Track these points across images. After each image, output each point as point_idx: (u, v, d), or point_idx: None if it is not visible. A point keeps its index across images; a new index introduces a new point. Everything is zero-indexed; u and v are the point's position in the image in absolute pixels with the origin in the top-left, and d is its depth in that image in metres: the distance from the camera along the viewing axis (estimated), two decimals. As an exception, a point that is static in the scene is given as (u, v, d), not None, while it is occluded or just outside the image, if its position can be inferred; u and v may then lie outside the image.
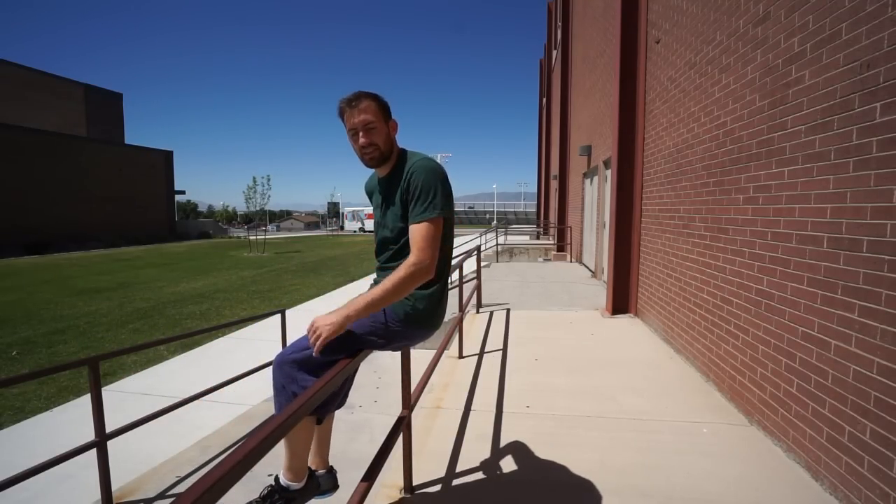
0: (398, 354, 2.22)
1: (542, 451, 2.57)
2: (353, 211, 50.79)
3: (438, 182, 1.56)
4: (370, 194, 1.83)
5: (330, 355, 1.53)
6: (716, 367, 3.41)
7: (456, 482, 2.30)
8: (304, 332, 1.55)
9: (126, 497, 2.83)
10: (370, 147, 1.58)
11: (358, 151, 1.62)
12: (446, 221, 1.60)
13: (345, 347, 1.57)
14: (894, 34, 1.85)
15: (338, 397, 1.79)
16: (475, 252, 6.22)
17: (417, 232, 1.53)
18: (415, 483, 2.23)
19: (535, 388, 3.49)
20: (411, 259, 1.50)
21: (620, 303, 5.83)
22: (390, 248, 1.68)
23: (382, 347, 1.70)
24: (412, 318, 1.64)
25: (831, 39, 2.21)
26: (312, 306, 9.81)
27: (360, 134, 1.57)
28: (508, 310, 6.19)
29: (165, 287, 12.43)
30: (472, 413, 3.08)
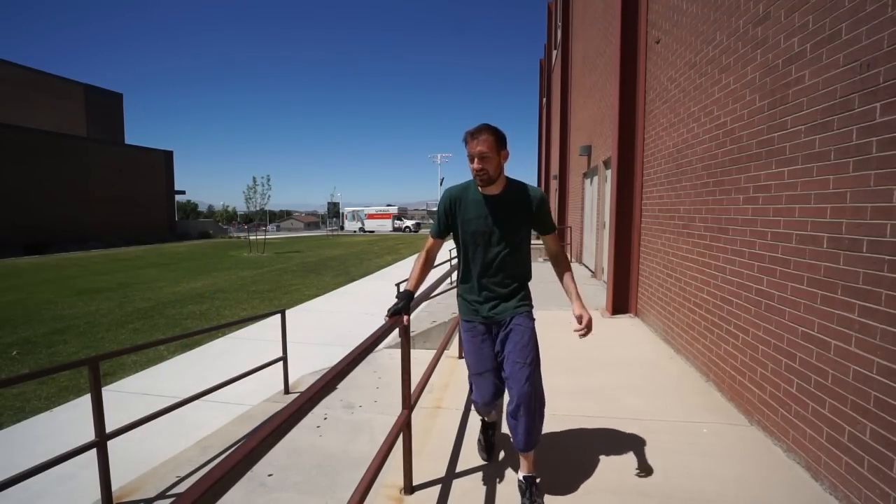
0: (398, 354, 2.22)
1: (541, 451, 2.57)
2: (353, 211, 50.75)
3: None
4: (457, 202, 2.16)
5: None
6: (716, 367, 3.41)
7: (456, 482, 2.30)
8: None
9: (126, 497, 2.83)
10: (482, 171, 1.99)
11: (473, 173, 2.03)
12: None
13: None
14: (894, 34, 1.85)
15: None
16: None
17: (556, 236, 2.22)
18: (415, 483, 2.23)
19: (535, 388, 3.49)
20: (563, 250, 2.24)
21: (620, 303, 5.84)
22: (503, 252, 2.11)
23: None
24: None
25: (831, 39, 2.21)
26: (312, 306, 9.80)
27: (476, 160, 1.98)
28: (508, 310, 6.18)
29: (165, 287, 12.43)
30: (472, 413, 3.08)
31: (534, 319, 2.16)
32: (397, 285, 7.41)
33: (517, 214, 2.06)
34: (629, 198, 5.74)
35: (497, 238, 2.06)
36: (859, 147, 2.03)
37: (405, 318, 2.02)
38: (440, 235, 2.21)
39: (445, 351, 3.66)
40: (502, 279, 2.10)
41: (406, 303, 2.04)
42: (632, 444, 2.64)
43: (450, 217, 2.15)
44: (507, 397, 2.12)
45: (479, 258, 2.10)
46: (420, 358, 3.37)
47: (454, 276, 5.85)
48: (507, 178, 2.10)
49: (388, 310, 2.02)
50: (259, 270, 15.91)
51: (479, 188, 2.08)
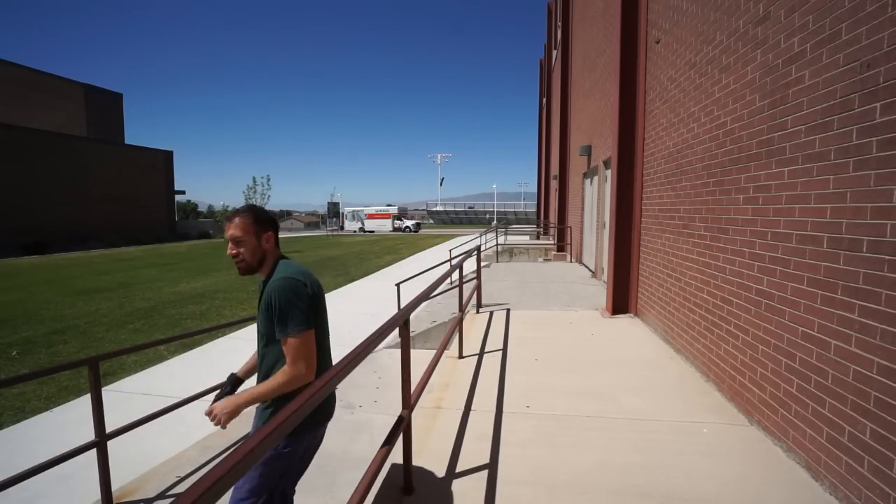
0: (398, 354, 2.22)
1: (542, 451, 2.58)
2: (353, 211, 50.75)
3: (294, 298, 1.69)
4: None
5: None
6: (716, 367, 3.41)
7: (456, 482, 2.30)
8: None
9: (126, 497, 2.83)
10: (237, 257, 1.78)
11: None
12: (317, 329, 1.75)
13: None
14: (894, 34, 1.85)
15: None
16: (475, 252, 6.22)
17: (288, 346, 1.68)
18: (415, 483, 2.23)
19: (535, 388, 3.49)
20: (287, 369, 1.67)
21: (620, 303, 5.83)
22: (262, 349, 1.82)
23: (292, 471, 1.80)
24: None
25: (831, 39, 2.21)
26: (312, 306, 9.80)
27: (230, 245, 1.79)
28: (508, 310, 6.19)
29: (165, 287, 12.43)
30: (472, 413, 3.08)
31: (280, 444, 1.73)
32: (397, 285, 7.41)
33: (264, 306, 1.75)
34: (629, 198, 5.74)
35: (259, 331, 1.81)
36: (859, 147, 2.03)
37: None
38: None
39: (445, 351, 3.67)
40: (263, 379, 1.77)
41: (230, 388, 1.87)
42: (632, 443, 2.64)
43: None
44: None
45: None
46: (420, 358, 3.37)
47: (454, 276, 5.85)
48: (279, 263, 1.83)
49: (216, 396, 1.80)
50: (259, 270, 15.88)
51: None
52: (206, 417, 1.70)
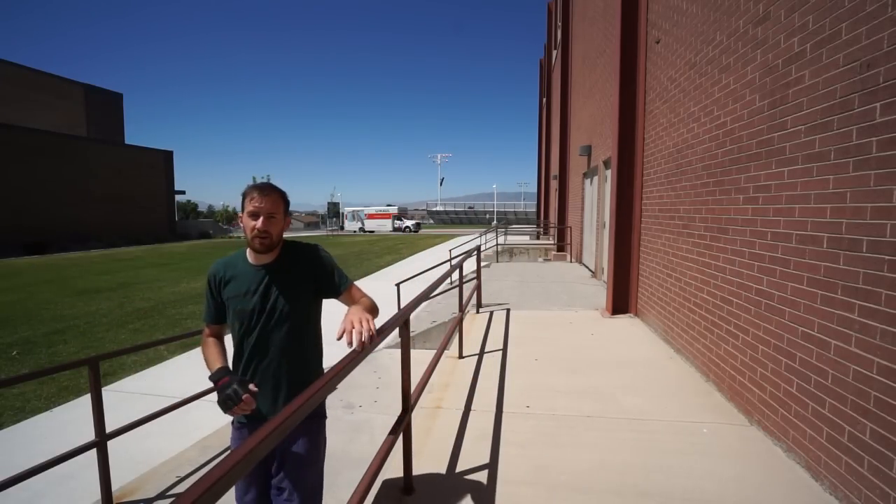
0: (398, 354, 2.22)
1: (542, 451, 2.58)
2: (353, 211, 50.78)
3: (333, 258, 1.89)
4: (229, 280, 1.76)
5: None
6: (716, 367, 3.41)
7: (456, 482, 2.30)
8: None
9: (126, 497, 2.83)
10: (265, 233, 1.68)
11: (249, 233, 1.68)
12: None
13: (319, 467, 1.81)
14: (894, 34, 1.85)
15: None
16: (475, 252, 6.22)
17: (357, 288, 1.87)
18: (415, 483, 2.23)
19: (535, 388, 3.49)
20: (369, 298, 1.85)
21: (620, 303, 5.83)
22: (292, 330, 1.74)
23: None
24: None
25: (831, 39, 2.21)
26: (312, 306, 9.80)
27: (261, 219, 1.66)
28: (508, 310, 6.19)
29: (165, 287, 12.43)
30: (472, 413, 3.08)
31: (323, 426, 1.79)
32: (397, 285, 7.40)
33: (297, 283, 1.73)
34: (629, 198, 5.74)
35: (273, 316, 1.69)
36: (859, 147, 2.03)
37: (252, 387, 1.55)
38: (216, 321, 1.82)
39: (445, 351, 3.67)
40: (279, 367, 1.70)
41: (234, 377, 1.60)
42: (632, 443, 2.64)
43: (216, 296, 1.79)
44: None
45: (249, 342, 1.71)
46: (420, 358, 3.37)
47: (454, 276, 5.85)
48: (284, 243, 1.79)
49: (220, 399, 1.53)
50: (259, 270, 15.87)
51: (252, 256, 1.73)
52: (345, 337, 1.53)
